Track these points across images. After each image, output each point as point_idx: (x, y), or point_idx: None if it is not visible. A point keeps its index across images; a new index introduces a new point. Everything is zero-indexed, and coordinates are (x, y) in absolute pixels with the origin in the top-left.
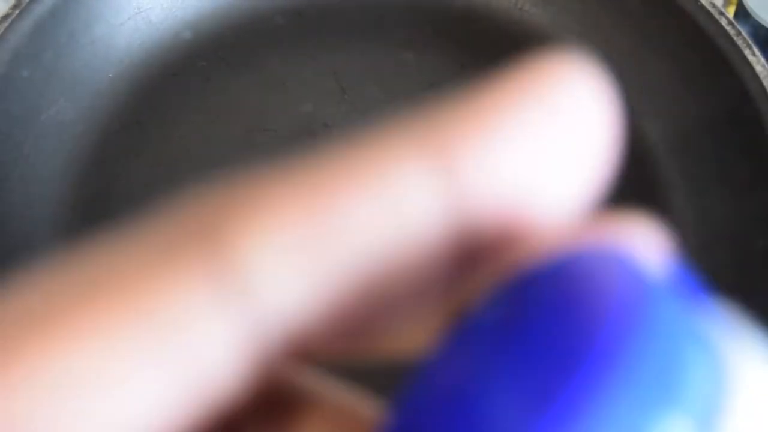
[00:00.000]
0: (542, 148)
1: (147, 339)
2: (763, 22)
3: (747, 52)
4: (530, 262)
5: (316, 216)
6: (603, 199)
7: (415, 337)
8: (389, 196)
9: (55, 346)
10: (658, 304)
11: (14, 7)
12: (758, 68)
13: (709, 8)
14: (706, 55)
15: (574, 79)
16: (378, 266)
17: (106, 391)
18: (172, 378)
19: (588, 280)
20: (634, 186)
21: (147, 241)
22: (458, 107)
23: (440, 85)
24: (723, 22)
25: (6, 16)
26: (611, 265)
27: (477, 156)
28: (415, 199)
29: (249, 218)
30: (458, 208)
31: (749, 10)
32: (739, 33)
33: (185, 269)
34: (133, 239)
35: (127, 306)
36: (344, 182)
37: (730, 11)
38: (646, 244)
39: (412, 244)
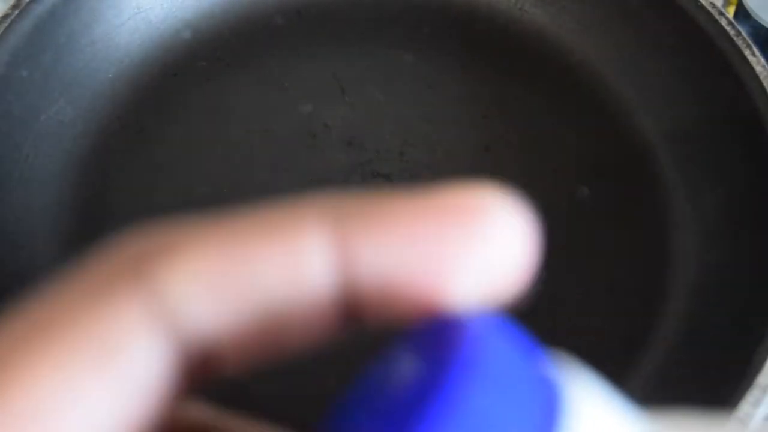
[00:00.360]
0: (436, 253)
1: (92, 363)
2: (763, 23)
3: (747, 52)
4: (405, 326)
5: (228, 260)
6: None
7: None
8: (287, 255)
9: (21, 379)
10: (494, 355)
11: (14, 7)
12: (758, 68)
13: (709, 8)
14: (706, 55)
15: (490, 210)
16: (272, 304)
17: (64, 410)
18: (116, 391)
19: (439, 340)
20: (634, 186)
21: (89, 279)
22: (373, 200)
23: (440, 85)
24: (723, 22)
25: (5, 17)
26: (461, 327)
27: (371, 241)
28: (308, 260)
29: (173, 257)
30: (346, 274)
31: (749, 11)
32: (739, 33)
33: (120, 299)
34: (77, 279)
35: (73, 339)
36: (254, 239)
37: (730, 11)
38: (484, 308)
39: (300, 292)
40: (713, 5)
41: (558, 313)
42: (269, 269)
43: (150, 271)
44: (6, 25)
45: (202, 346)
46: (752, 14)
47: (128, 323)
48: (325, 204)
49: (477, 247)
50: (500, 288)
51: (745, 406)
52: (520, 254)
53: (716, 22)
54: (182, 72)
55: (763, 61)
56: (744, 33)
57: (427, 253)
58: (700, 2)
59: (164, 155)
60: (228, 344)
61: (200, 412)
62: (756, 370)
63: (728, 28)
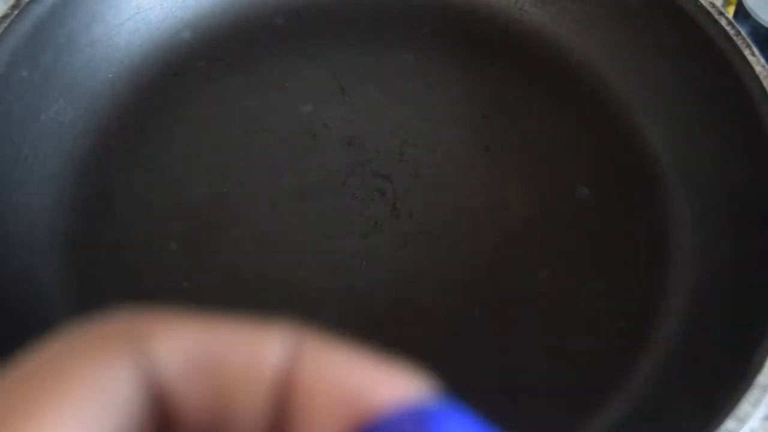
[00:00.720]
0: None
1: (94, 418)
2: (762, 22)
3: (747, 52)
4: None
5: (200, 347)
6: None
7: None
8: (246, 362)
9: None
10: None
11: (13, 7)
12: (758, 68)
13: (709, 8)
14: (706, 55)
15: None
16: (225, 391)
17: None
18: None
19: None
20: (634, 186)
21: (85, 344)
22: (326, 343)
23: (440, 85)
24: (723, 22)
25: (5, 17)
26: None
27: (315, 376)
28: (263, 371)
29: (159, 331)
30: (285, 390)
31: (749, 10)
32: (738, 33)
33: (117, 364)
34: (74, 342)
35: (78, 397)
36: (225, 337)
37: (730, 11)
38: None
39: (251, 391)
40: (713, 5)
41: (558, 312)
42: (230, 364)
43: (142, 344)
44: (6, 25)
45: (170, 413)
46: (752, 14)
47: (123, 382)
48: (289, 333)
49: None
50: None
51: (745, 406)
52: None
53: (716, 22)
54: (182, 72)
55: (762, 61)
56: (744, 33)
57: (351, 390)
58: (699, 2)
59: (164, 155)
60: (188, 416)
61: None
62: (756, 370)
63: (728, 28)
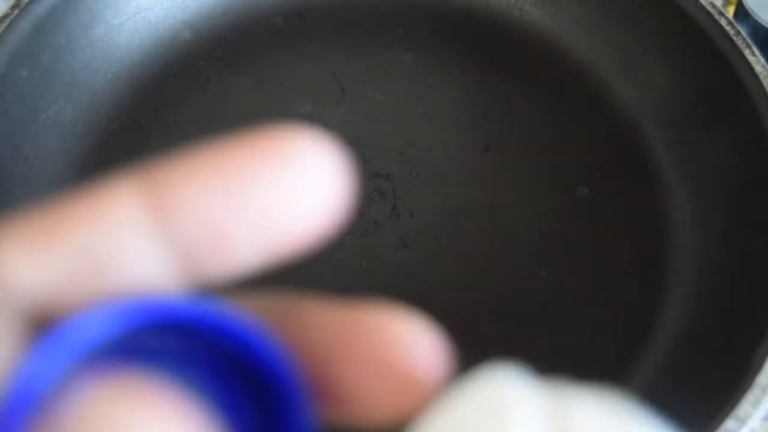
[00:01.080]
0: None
1: None
2: (762, 22)
3: (747, 52)
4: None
5: (48, 232)
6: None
7: None
8: (102, 224)
9: None
10: None
11: (13, 7)
12: (758, 68)
13: (709, 8)
14: (706, 55)
15: (300, 147)
16: (103, 267)
17: None
18: None
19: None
20: (634, 186)
21: None
22: (185, 159)
23: (440, 85)
24: (723, 22)
25: (5, 17)
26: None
27: (188, 197)
28: (127, 230)
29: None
30: (171, 233)
31: (749, 10)
32: (738, 33)
33: None
34: None
35: None
36: (72, 218)
37: (730, 11)
38: None
39: (119, 256)
40: (713, 5)
41: (558, 312)
42: (90, 237)
43: None
44: (6, 25)
45: (37, 302)
46: (752, 14)
47: None
48: (139, 175)
49: (286, 183)
50: (316, 215)
51: (745, 406)
52: (328, 185)
53: (716, 22)
54: (182, 72)
55: (763, 60)
56: (744, 33)
57: (241, 194)
58: (700, 2)
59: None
60: (67, 300)
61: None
62: (756, 370)
63: (728, 28)
